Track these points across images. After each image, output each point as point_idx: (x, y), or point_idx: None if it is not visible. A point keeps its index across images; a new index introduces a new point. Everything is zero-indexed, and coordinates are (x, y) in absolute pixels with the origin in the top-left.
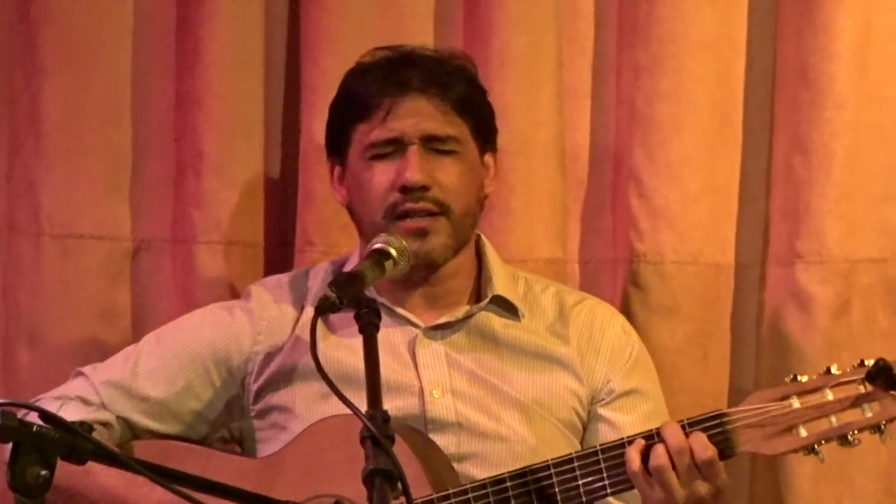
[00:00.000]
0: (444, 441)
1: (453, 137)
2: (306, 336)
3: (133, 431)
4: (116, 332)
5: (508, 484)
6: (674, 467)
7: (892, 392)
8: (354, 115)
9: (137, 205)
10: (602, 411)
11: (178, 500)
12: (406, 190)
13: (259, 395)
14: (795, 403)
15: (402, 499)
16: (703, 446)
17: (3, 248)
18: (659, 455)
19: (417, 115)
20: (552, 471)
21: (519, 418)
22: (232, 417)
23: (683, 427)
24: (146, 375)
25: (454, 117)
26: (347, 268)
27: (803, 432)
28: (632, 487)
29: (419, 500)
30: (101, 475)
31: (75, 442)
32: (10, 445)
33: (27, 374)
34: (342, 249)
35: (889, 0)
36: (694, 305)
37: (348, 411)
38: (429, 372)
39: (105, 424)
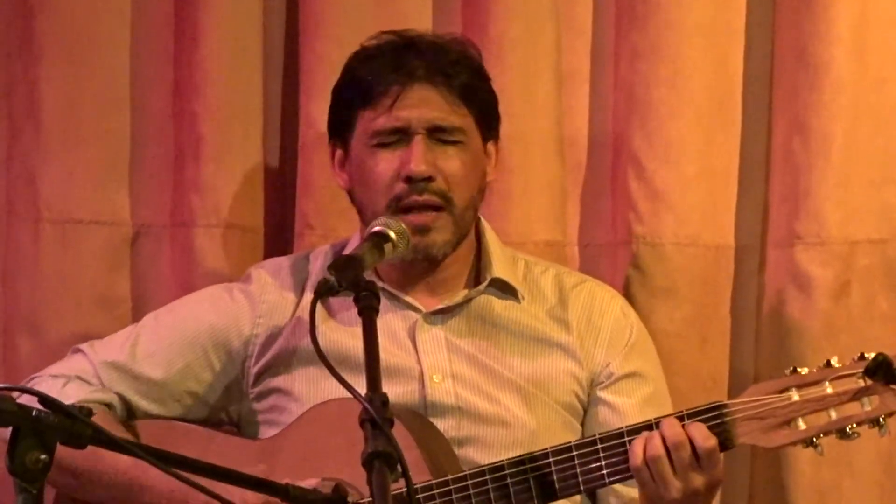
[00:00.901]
0: (444, 425)
1: (458, 128)
2: (306, 319)
3: (131, 412)
4: (116, 318)
5: (507, 471)
6: (670, 460)
7: (891, 386)
8: (360, 100)
9: (136, 191)
10: (602, 394)
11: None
12: (410, 180)
13: (259, 377)
14: (795, 396)
15: (402, 481)
16: (703, 436)
17: (2, 235)
18: (655, 446)
19: (424, 104)
20: (551, 459)
21: (519, 402)
22: (230, 400)
23: (682, 419)
24: (145, 357)
25: (460, 106)
26: (348, 251)
27: (802, 425)
28: (630, 477)
29: (418, 486)
30: (106, 456)
31: (74, 426)
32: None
33: (26, 360)
34: (341, 234)
35: None
36: (693, 288)
37: (348, 394)
38: (429, 357)
39: (107, 405)
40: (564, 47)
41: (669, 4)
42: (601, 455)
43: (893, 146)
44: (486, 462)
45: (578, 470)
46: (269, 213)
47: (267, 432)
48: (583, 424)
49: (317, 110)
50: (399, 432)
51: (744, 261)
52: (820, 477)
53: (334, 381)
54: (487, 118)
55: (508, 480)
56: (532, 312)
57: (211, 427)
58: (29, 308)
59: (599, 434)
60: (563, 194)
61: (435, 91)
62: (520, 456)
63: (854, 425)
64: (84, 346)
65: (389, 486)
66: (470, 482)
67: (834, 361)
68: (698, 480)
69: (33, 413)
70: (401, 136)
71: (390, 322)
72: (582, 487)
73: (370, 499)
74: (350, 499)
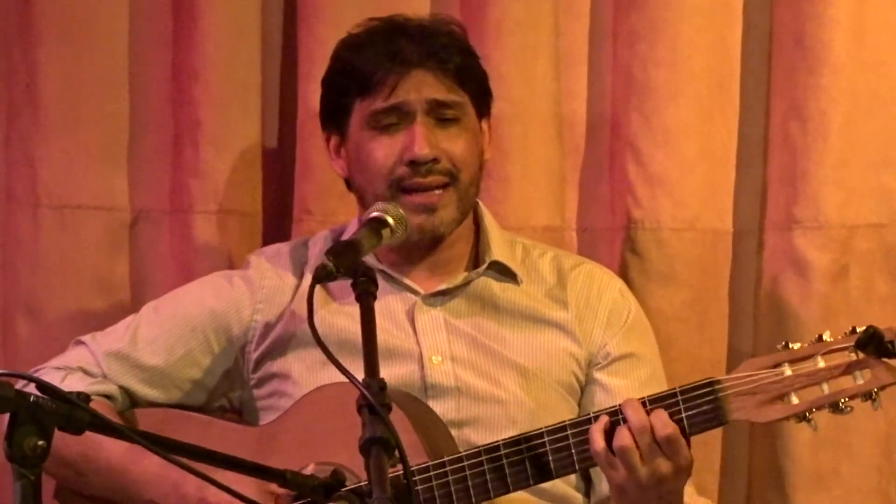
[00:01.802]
0: (443, 406)
1: (457, 103)
2: (305, 304)
3: (133, 400)
4: (115, 303)
5: (503, 451)
6: (637, 446)
7: (883, 359)
8: (356, 89)
9: (135, 175)
10: (598, 375)
11: (178, 470)
12: (414, 163)
13: (259, 363)
14: (787, 371)
15: (399, 466)
16: (662, 423)
17: (1, 220)
18: (623, 437)
19: (422, 87)
20: (546, 438)
21: (518, 382)
22: (231, 386)
23: (644, 405)
24: (146, 344)
25: (456, 88)
26: (346, 236)
27: (795, 400)
28: None
29: (414, 468)
30: (104, 445)
31: (72, 412)
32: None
33: (25, 345)
34: (339, 218)
35: None
36: (691, 272)
37: (346, 379)
38: (428, 338)
39: (108, 396)
40: (563, 30)
41: None
42: None
43: (892, 129)
44: (486, 443)
45: (574, 450)
46: (267, 198)
47: (267, 418)
48: (579, 405)
49: (315, 94)
50: (395, 416)
51: (742, 245)
52: (818, 460)
53: (333, 367)
54: (482, 95)
55: (504, 461)
56: (530, 293)
57: (210, 414)
58: (28, 293)
59: (594, 413)
60: (561, 178)
61: (431, 75)
62: (515, 436)
63: (846, 399)
64: (86, 338)
65: (387, 472)
66: (466, 463)
67: (826, 336)
68: (665, 466)
69: (31, 399)
70: (400, 118)
71: (389, 304)
72: (577, 466)
73: (367, 482)
74: (347, 483)
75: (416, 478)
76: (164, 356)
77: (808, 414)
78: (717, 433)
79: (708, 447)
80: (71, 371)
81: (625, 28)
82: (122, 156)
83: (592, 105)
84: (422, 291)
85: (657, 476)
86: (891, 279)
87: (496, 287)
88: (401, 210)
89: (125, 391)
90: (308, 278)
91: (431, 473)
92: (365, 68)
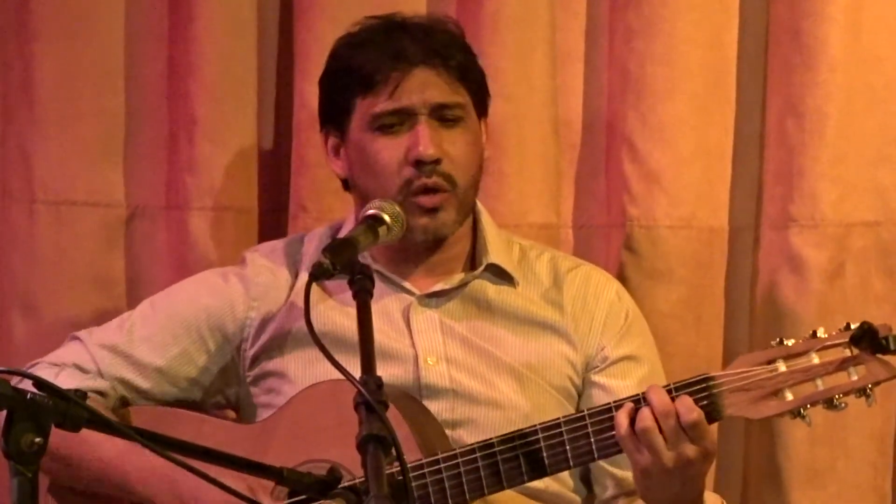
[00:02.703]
0: (438, 407)
1: (460, 104)
2: (301, 301)
3: (128, 396)
4: (111, 299)
5: (497, 448)
6: (660, 430)
7: (877, 355)
8: (357, 88)
9: (131, 171)
10: (596, 378)
11: (173, 467)
12: (419, 164)
13: (255, 361)
14: (781, 367)
15: (396, 464)
16: (687, 408)
17: None
18: (645, 418)
19: (425, 87)
20: (540, 435)
21: (513, 385)
22: (227, 383)
23: (670, 391)
24: (141, 341)
25: (458, 86)
26: (342, 233)
27: (789, 396)
28: (619, 451)
29: (409, 464)
30: (99, 443)
31: (69, 409)
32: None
33: (21, 341)
34: (336, 215)
35: None
36: (687, 269)
37: (341, 376)
38: (423, 339)
39: (101, 393)
40: (559, 26)
41: None
42: (590, 430)
43: (888, 126)
44: None
45: (568, 446)
46: (263, 195)
47: (264, 415)
48: (577, 408)
49: (312, 90)
50: (389, 413)
51: (738, 242)
52: (814, 457)
53: (329, 364)
54: (481, 94)
55: (498, 458)
56: (526, 296)
57: (204, 411)
58: (24, 289)
59: (588, 409)
60: (557, 175)
61: (434, 73)
62: (510, 433)
63: (841, 395)
64: (81, 334)
65: (384, 469)
66: (460, 460)
67: (820, 332)
68: (690, 449)
69: (28, 396)
70: (404, 119)
71: (385, 304)
72: (571, 463)
73: (362, 479)
74: (343, 480)
75: (410, 475)
76: (159, 354)
77: (802, 410)
78: (713, 429)
79: None
80: (65, 367)
81: (621, 24)
82: (118, 152)
83: (589, 102)
84: (417, 292)
85: (683, 460)
86: (886, 277)
87: (492, 289)
88: (398, 208)
89: (119, 388)
90: (303, 276)
91: (426, 470)
92: (366, 67)
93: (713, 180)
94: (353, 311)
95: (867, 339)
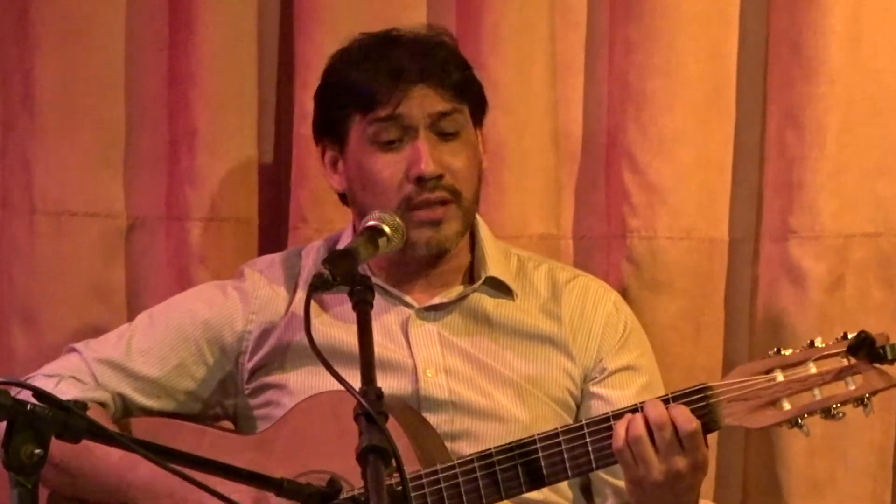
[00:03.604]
0: (437, 419)
1: (458, 113)
2: (300, 314)
3: (127, 409)
4: (110, 310)
5: (495, 458)
6: (653, 441)
7: (874, 364)
8: (356, 104)
9: (131, 182)
10: (595, 389)
11: (173, 478)
12: (421, 180)
13: (253, 373)
14: (779, 377)
15: (395, 475)
16: (686, 418)
17: None
18: (637, 426)
19: (424, 103)
20: (538, 445)
21: (512, 397)
22: (226, 395)
23: (667, 401)
24: (139, 354)
25: (457, 102)
26: (341, 245)
27: (787, 405)
28: (617, 462)
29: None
30: (99, 453)
31: (69, 420)
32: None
33: (21, 352)
34: (336, 226)
35: None
36: (687, 281)
37: (342, 387)
38: (422, 351)
39: (101, 403)
40: (559, 38)
41: None
42: (588, 440)
43: (887, 138)
44: None
45: (566, 455)
46: (263, 206)
47: (263, 427)
48: (576, 420)
49: (312, 101)
50: (389, 424)
51: (738, 254)
52: (813, 468)
53: (329, 376)
54: (479, 107)
55: (497, 468)
56: (525, 308)
57: (206, 422)
58: (24, 299)
59: (586, 419)
60: (557, 186)
61: (432, 90)
62: (507, 444)
63: (838, 404)
64: (79, 346)
65: (384, 481)
66: (459, 470)
67: (818, 342)
68: (681, 462)
69: (28, 407)
70: (402, 133)
71: (383, 317)
72: (570, 473)
73: (362, 490)
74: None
75: (410, 486)
76: (157, 366)
77: (800, 420)
78: (712, 440)
79: None
80: (63, 378)
81: (621, 36)
82: (118, 162)
83: (589, 113)
84: (416, 305)
85: (673, 473)
86: (886, 288)
87: (491, 303)
88: (398, 219)
89: (119, 399)
90: (301, 288)
91: (425, 481)
92: (365, 84)
93: (713, 192)
94: (350, 325)
95: (864, 349)
